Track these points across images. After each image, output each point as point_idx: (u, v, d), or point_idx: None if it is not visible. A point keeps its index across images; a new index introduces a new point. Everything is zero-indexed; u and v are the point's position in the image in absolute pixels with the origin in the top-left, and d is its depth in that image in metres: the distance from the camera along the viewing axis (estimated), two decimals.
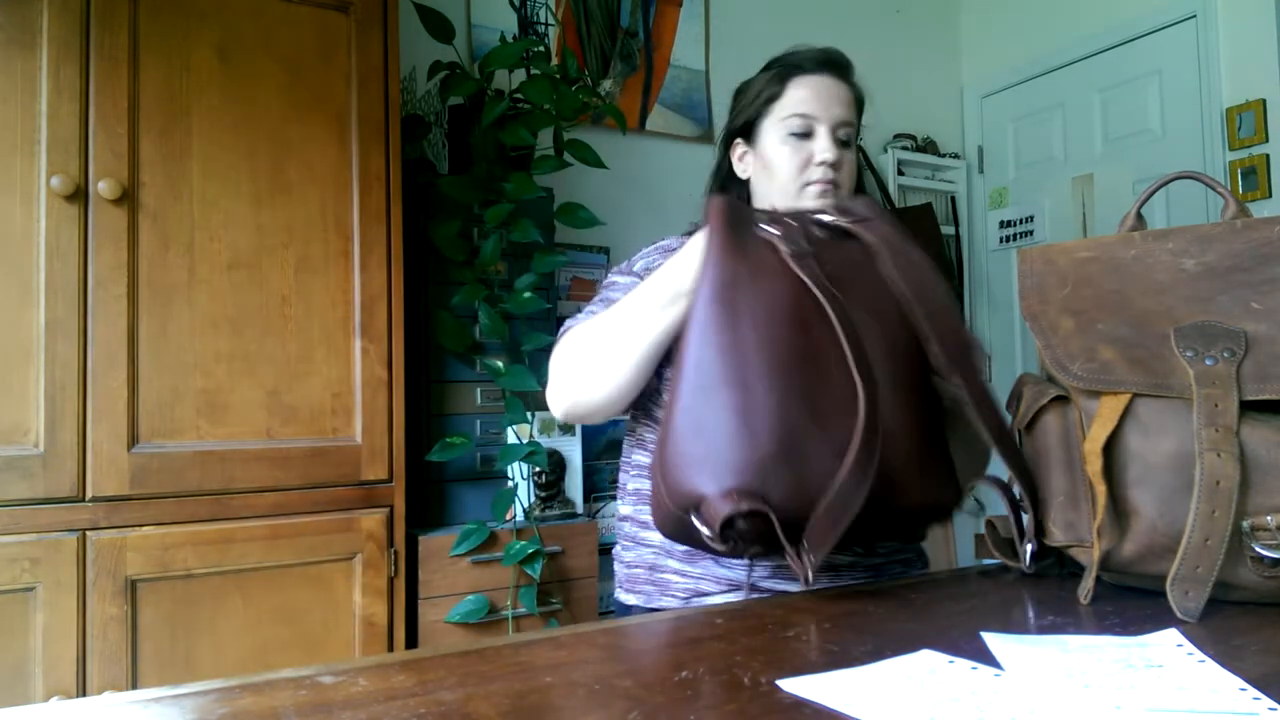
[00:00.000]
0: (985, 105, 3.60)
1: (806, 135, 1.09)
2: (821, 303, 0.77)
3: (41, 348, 1.50)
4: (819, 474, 0.74)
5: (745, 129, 1.15)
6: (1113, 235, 0.81)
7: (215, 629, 1.61)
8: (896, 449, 0.77)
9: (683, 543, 0.81)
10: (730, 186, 1.19)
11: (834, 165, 1.08)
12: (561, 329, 1.09)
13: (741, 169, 1.17)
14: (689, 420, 0.77)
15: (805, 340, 0.77)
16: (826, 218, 0.86)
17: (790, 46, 1.15)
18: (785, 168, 1.10)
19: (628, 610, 1.11)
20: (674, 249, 1.12)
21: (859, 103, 1.15)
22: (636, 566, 1.10)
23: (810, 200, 1.08)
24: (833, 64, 1.12)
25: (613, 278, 1.17)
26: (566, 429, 2.14)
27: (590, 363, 0.98)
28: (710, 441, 0.75)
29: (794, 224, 0.84)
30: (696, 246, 0.87)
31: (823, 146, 1.08)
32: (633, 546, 1.12)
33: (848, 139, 1.11)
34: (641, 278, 1.09)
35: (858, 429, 0.73)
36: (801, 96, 1.10)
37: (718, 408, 0.76)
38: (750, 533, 0.73)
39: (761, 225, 0.83)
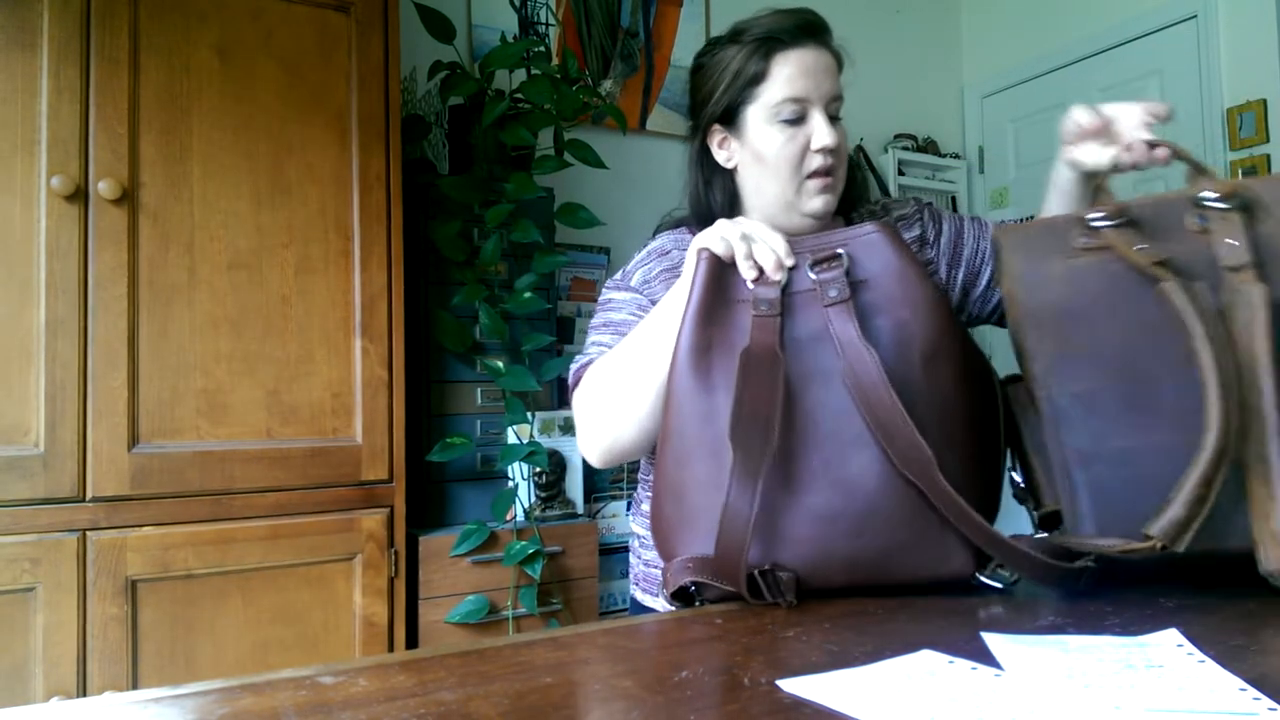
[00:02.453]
0: (985, 105, 3.60)
1: (800, 121, 1.01)
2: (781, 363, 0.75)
3: (42, 347, 1.50)
4: (795, 539, 0.73)
5: (725, 115, 1.05)
6: None
7: (215, 629, 1.61)
8: (876, 519, 0.73)
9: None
10: (714, 178, 1.09)
11: (833, 150, 1.01)
12: (573, 371, 1.05)
13: (724, 157, 1.08)
14: (669, 486, 0.78)
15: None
16: (811, 276, 0.79)
17: (757, 11, 1.04)
18: (781, 160, 1.02)
19: (643, 611, 1.09)
20: (668, 251, 1.09)
21: (840, 66, 1.05)
22: (656, 566, 1.08)
23: (811, 197, 1.02)
24: (813, 30, 1.02)
25: (609, 294, 1.10)
26: (567, 429, 2.14)
27: (615, 403, 0.94)
28: (686, 508, 0.77)
29: (777, 282, 0.80)
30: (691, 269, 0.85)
31: (821, 132, 1.00)
32: (652, 545, 1.08)
33: (837, 114, 1.04)
34: (640, 291, 1.07)
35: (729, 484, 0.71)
36: (789, 76, 1.00)
37: (693, 475, 0.77)
38: (719, 597, 0.75)
39: (746, 283, 0.80)
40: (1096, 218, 0.75)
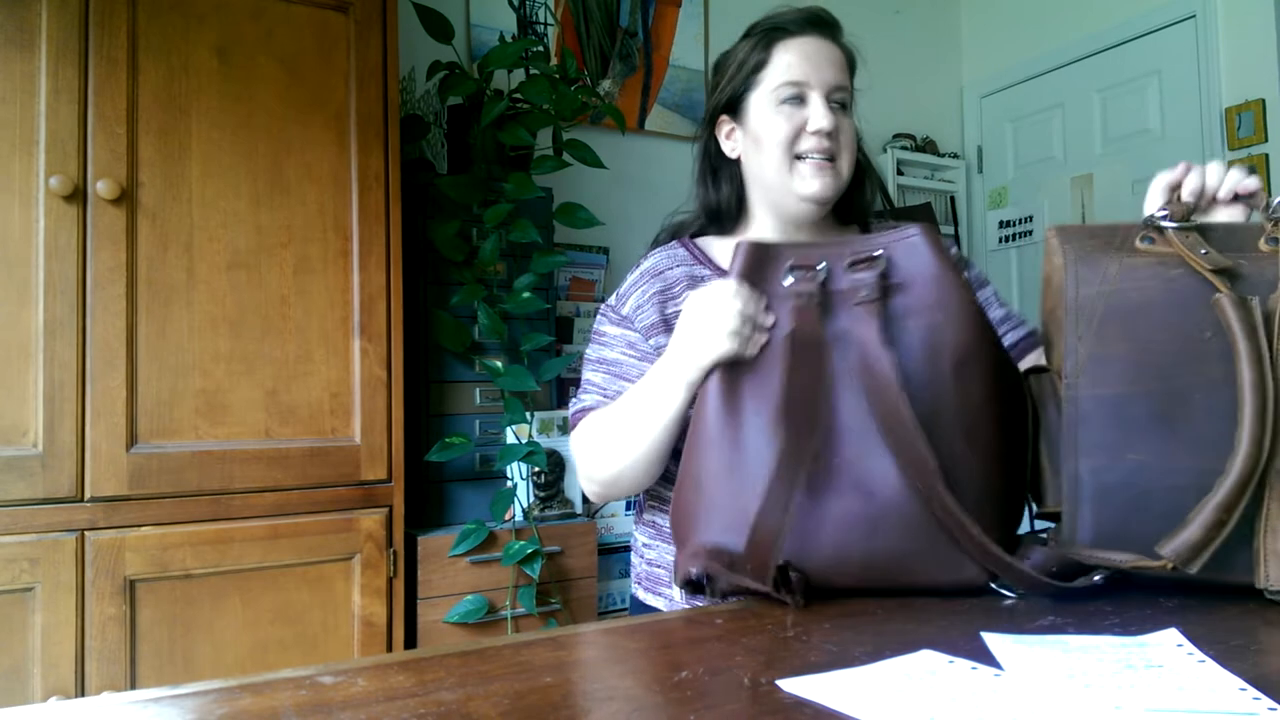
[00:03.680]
0: (985, 105, 3.60)
1: (799, 103, 1.01)
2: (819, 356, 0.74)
3: (40, 348, 1.49)
4: (812, 537, 0.73)
5: (731, 104, 1.07)
6: None
7: (214, 629, 1.61)
8: (892, 522, 0.73)
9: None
10: (721, 169, 1.11)
11: (829, 134, 1.00)
12: (571, 413, 1.08)
13: (730, 147, 1.09)
14: (690, 474, 0.79)
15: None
16: (847, 276, 0.77)
17: (771, 9, 1.07)
18: (777, 139, 1.01)
19: (644, 610, 1.08)
20: (661, 271, 1.09)
21: (851, 64, 1.07)
22: (659, 566, 1.07)
23: (806, 179, 1.02)
24: (819, 23, 1.04)
25: (602, 325, 1.10)
26: (565, 429, 2.14)
27: (610, 460, 0.98)
28: (704, 497, 0.77)
29: (818, 267, 0.77)
30: (693, 330, 0.83)
31: (817, 114, 1.00)
32: (655, 545, 1.08)
33: (844, 103, 1.03)
34: (632, 321, 1.07)
35: (768, 476, 0.71)
36: (789, 61, 1.02)
37: (714, 466, 0.77)
38: (731, 588, 0.75)
39: (788, 269, 0.78)
40: (1163, 218, 0.73)
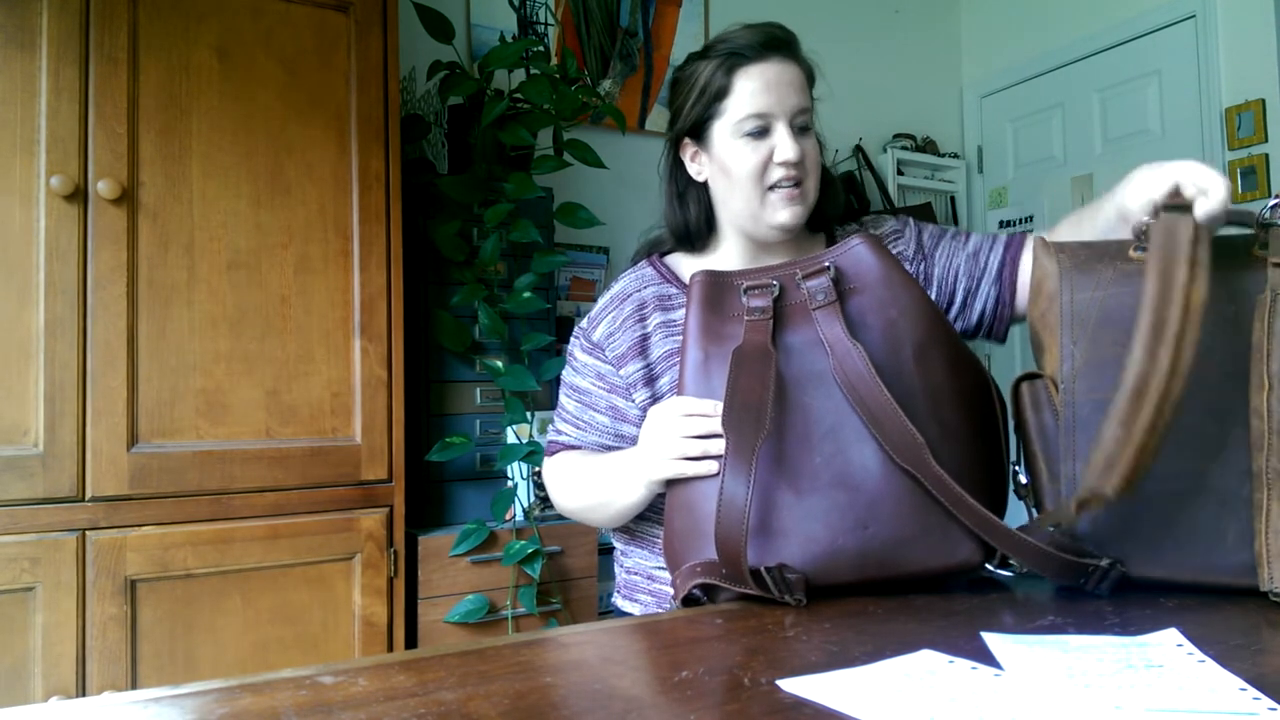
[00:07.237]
0: (985, 105, 3.60)
1: (764, 134, 1.02)
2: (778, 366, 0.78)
3: (41, 348, 1.50)
4: (803, 538, 0.75)
5: (695, 129, 1.06)
6: None
7: (215, 629, 1.61)
8: (881, 511, 0.75)
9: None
10: (688, 191, 1.11)
11: (796, 163, 1.02)
12: (547, 441, 1.17)
13: (696, 170, 1.09)
14: (678, 499, 0.82)
15: (776, 409, 0.77)
16: (801, 286, 0.82)
17: (727, 27, 1.05)
18: (745, 172, 1.02)
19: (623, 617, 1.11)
20: (629, 295, 1.11)
21: (810, 78, 1.06)
22: (635, 574, 1.10)
23: (777, 209, 1.03)
24: (777, 44, 1.03)
25: (574, 351, 1.14)
26: None
27: (578, 507, 1.09)
28: (695, 518, 0.79)
29: (769, 286, 0.82)
30: (645, 446, 0.88)
31: (784, 145, 1.01)
32: (632, 553, 1.11)
33: (806, 125, 1.04)
34: (603, 349, 1.09)
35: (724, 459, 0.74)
36: (752, 90, 1.01)
37: (700, 487, 0.80)
38: (731, 599, 0.76)
39: (744, 290, 0.82)
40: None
